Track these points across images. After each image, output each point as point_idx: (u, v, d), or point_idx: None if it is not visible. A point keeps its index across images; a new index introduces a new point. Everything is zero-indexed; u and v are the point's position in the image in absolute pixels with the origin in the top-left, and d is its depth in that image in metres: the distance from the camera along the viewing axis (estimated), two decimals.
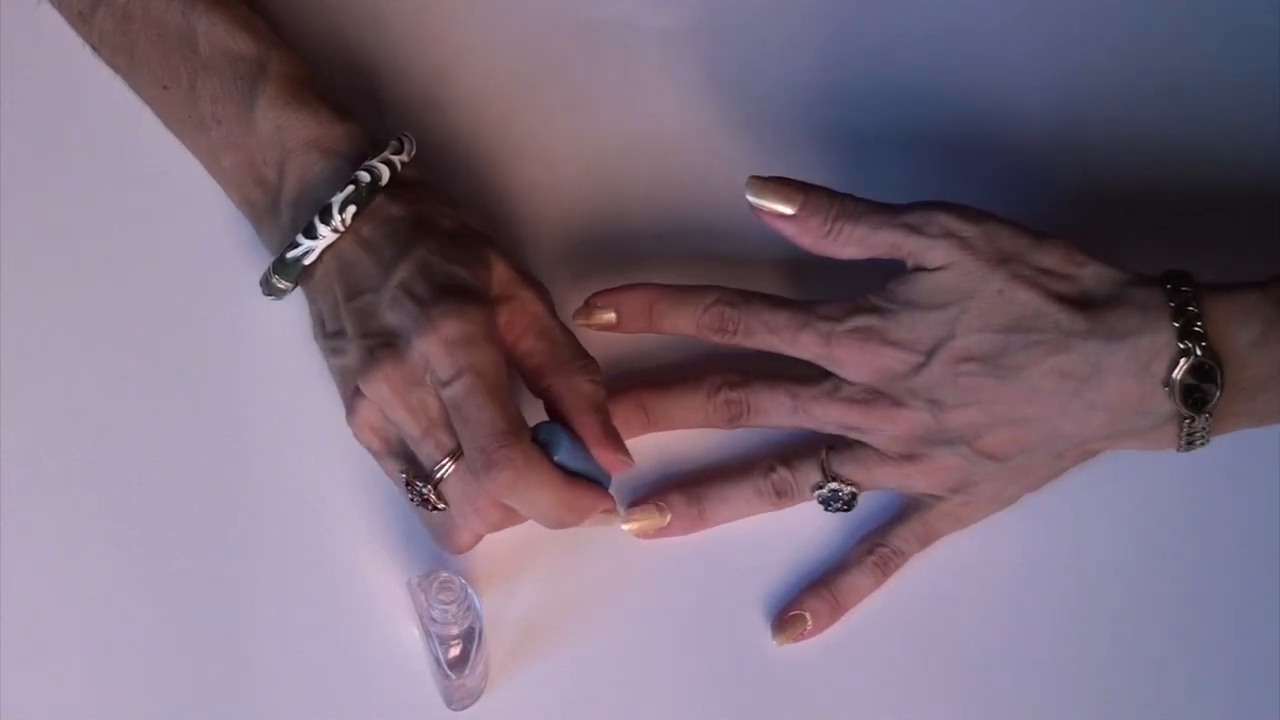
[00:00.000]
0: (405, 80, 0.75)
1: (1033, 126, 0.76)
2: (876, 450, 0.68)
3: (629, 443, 0.66)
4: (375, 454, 0.66)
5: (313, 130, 0.67)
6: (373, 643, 0.68)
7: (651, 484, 0.70)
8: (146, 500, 0.69)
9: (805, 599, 0.69)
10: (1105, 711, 0.69)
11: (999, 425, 0.66)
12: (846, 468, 0.69)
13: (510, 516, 0.64)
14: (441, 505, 0.64)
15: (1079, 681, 0.69)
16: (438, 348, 0.62)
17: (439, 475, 0.63)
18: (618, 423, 0.66)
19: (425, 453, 0.64)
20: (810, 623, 0.68)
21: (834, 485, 0.69)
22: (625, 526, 0.69)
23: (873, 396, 0.67)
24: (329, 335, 0.66)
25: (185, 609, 0.68)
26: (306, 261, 0.66)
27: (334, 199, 0.65)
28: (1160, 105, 0.76)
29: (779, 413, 0.68)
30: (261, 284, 0.68)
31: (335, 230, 0.65)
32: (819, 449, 0.69)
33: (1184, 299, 0.64)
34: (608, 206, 0.74)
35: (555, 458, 0.63)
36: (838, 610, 0.69)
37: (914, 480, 0.68)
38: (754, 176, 0.68)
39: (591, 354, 0.66)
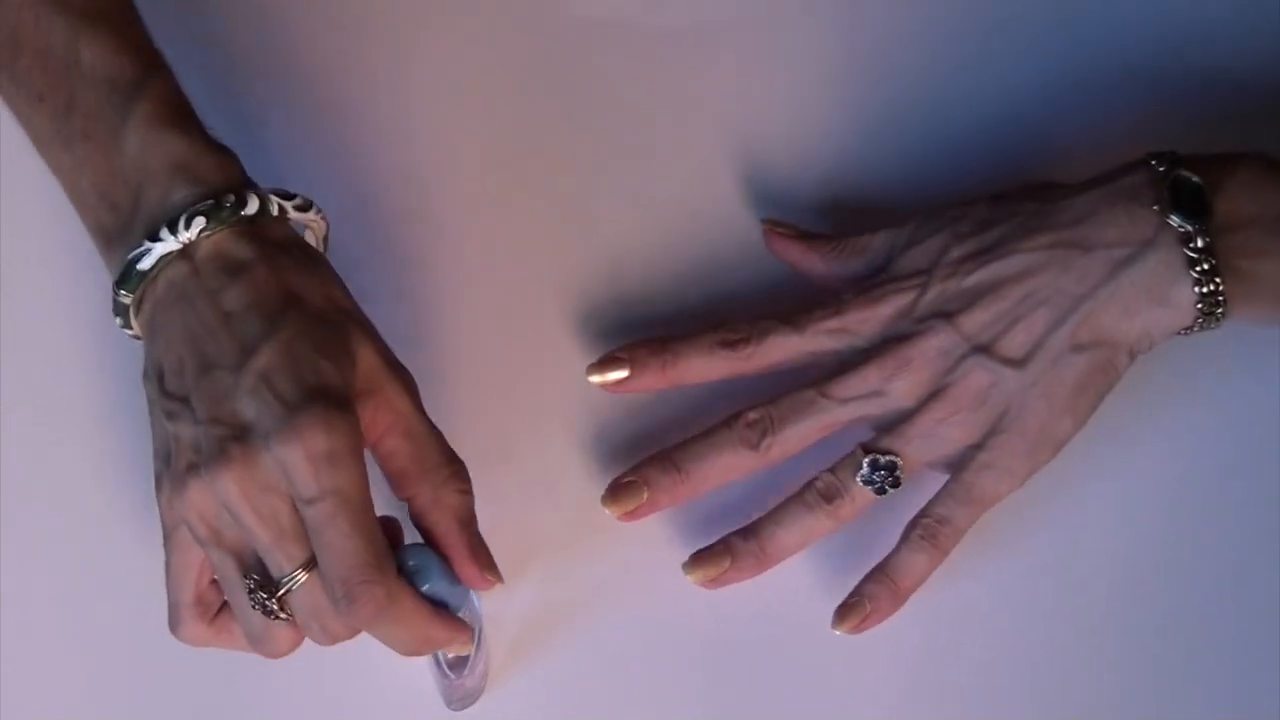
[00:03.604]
0: (402, 79, 0.75)
1: (1037, 127, 0.76)
2: (905, 411, 0.67)
3: None
4: (200, 541, 0.60)
5: (182, 153, 0.62)
6: (373, 642, 0.68)
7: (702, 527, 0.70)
8: (147, 500, 0.69)
9: (862, 585, 0.68)
10: (1102, 712, 0.69)
11: (1009, 320, 0.66)
12: (882, 442, 0.67)
13: (355, 633, 0.61)
14: (283, 615, 0.60)
15: (1078, 682, 0.69)
16: (301, 462, 0.57)
17: (287, 588, 0.59)
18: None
19: (274, 562, 0.59)
20: (870, 606, 0.67)
21: (871, 458, 0.67)
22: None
23: (885, 346, 0.67)
24: (167, 394, 0.61)
25: None
26: (141, 266, 0.61)
27: (189, 209, 0.61)
28: (1164, 107, 0.76)
29: (804, 411, 0.68)
30: (113, 308, 0.63)
31: (180, 241, 0.60)
32: (854, 451, 0.68)
33: (1162, 158, 0.67)
34: (605, 208, 0.74)
35: (424, 588, 0.61)
36: (897, 592, 0.67)
37: (948, 427, 0.67)
38: (768, 224, 0.72)
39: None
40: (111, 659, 0.68)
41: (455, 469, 0.62)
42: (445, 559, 0.62)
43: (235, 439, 0.58)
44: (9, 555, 0.69)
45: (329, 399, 0.58)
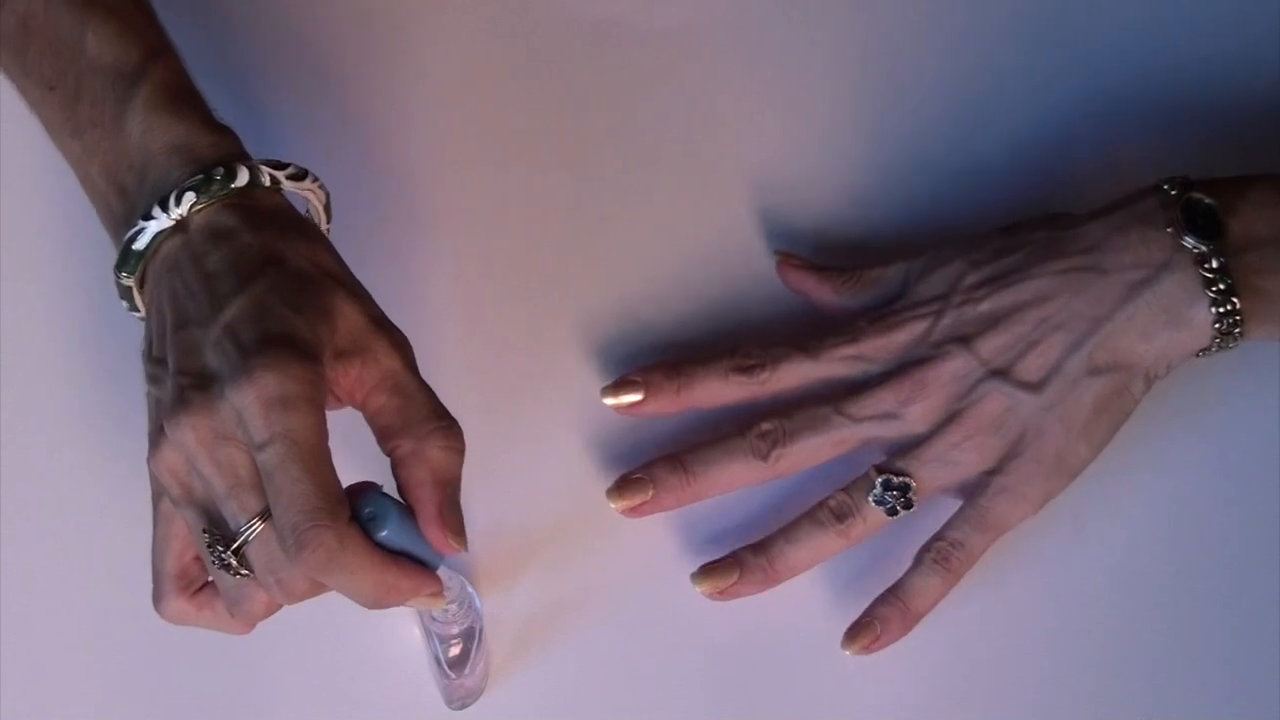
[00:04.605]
0: (401, 78, 0.75)
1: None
2: (919, 435, 0.67)
3: None
4: (174, 500, 0.60)
5: (180, 135, 0.62)
6: (373, 643, 0.68)
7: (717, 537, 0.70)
8: (146, 500, 0.69)
9: (873, 607, 0.68)
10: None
11: (1026, 343, 0.66)
12: (895, 464, 0.67)
13: (316, 588, 0.58)
14: (244, 571, 0.58)
15: (1082, 701, 0.69)
16: (253, 405, 0.56)
17: (243, 539, 0.57)
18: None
19: (230, 513, 0.57)
20: (880, 628, 0.67)
21: (884, 478, 0.67)
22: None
23: (902, 370, 0.67)
24: (153, 360, 0.61)
25: None
26: (136, 246, 0.61)
27: (180, 185, 0.60)
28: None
29: (818, 427, 0.68)
30: (117, 291, 0.63)
31: (173, 218, 0.60)
32: (868, 472, 0.68)
33: (1174, 183, 0.67)
34: (603, 210, 0.74)
35: (378, 536, 0.57)
36: (908, 615, 0.67)
37: (963, 451, 0.67)
38: (782, 256, 0.72)
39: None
40: (111, 659, 0.68)
41: (444, 425, 0.60)
42: (410, 514, 0.58)
43: (196, 387, 0.57)
44: (9, 555, 0.69)
45: (289, 346, 0.57)
